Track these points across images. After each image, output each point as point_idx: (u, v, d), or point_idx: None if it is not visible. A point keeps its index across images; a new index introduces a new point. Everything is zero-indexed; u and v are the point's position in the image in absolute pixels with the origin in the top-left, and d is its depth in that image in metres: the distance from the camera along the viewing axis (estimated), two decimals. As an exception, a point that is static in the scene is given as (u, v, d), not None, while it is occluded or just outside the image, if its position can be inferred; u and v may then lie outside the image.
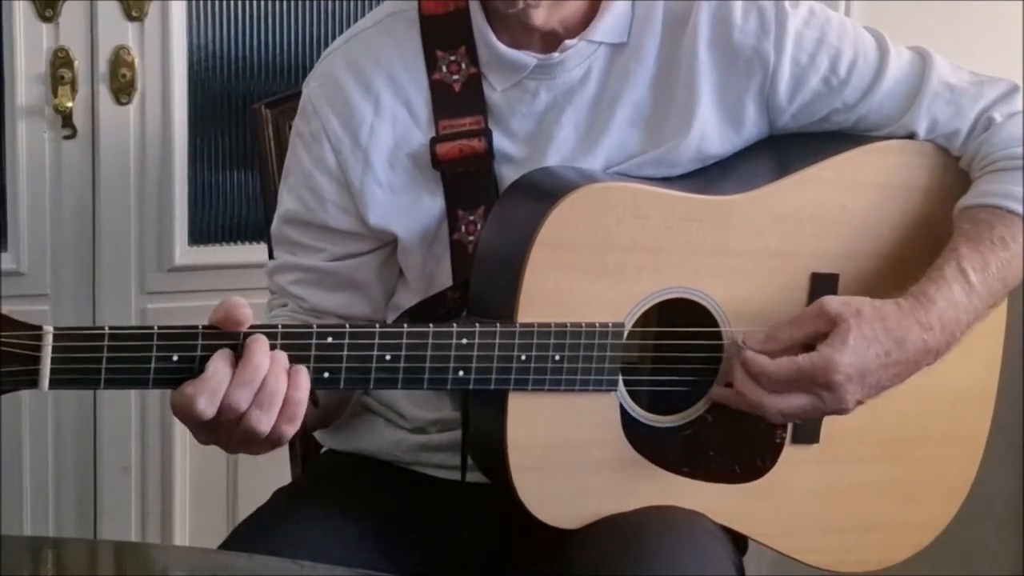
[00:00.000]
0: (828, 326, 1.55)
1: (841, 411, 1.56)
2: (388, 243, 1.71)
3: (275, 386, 1.40)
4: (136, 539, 2.45)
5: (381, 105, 1.67)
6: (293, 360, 1.43)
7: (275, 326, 1.43)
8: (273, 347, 1.42)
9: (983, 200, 1.64)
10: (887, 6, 2.46)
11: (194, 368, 1.40)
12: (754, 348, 1.56)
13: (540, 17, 1.63)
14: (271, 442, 1.44)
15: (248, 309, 1.41)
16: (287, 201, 1.73)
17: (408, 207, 1.68)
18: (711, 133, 1.66)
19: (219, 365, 1.39)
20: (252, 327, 1.42)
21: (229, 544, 1.62)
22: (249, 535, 1.64)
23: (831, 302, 1.56)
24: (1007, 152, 1.66)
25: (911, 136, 1.70)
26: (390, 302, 1.75)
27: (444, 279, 1.67)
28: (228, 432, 1.43)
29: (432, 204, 1.67)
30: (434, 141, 1.66)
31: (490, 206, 1.64)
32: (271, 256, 1.80)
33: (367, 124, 1.67)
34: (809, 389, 1.54)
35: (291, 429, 1.43)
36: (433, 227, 1.68)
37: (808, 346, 1.57)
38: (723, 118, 1.67)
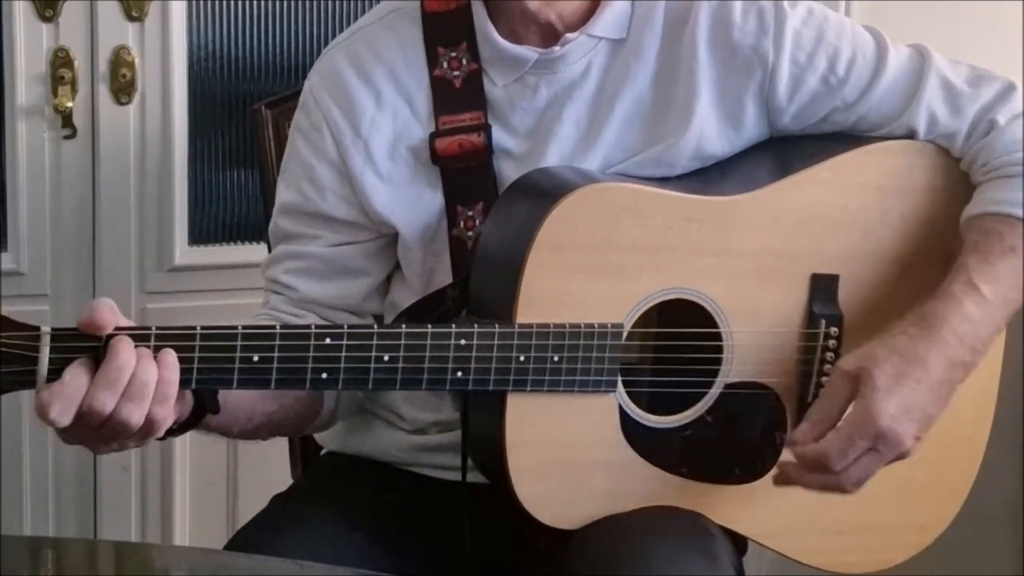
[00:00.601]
0: (855, 384, 1.54)
1: (903, 455, 1.55)
2: (386, 234, 1.71)
3: (146, 376, 1.38)
4: (136, 539, 2.45)
5: (382, 99, 1.68)
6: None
7: (148, 328, 1.40)
8: (146, 346, 1.39)
9: (991, 208, 1.63)
10: (887, 6, 2.46)
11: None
12: (803, 441, 1.55)
13: (535, 3, 1.63)
14: (143, 434, 1.41)
15: (112, 314, 1.39)
16: (284, 195, 1.73)
17: (408, 202, 1.68)
18: (710, 132, 1.66)
19: (77, 373, 1.36)
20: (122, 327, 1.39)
21: (232, 548, 1.61)
22: (251, 539, 1.63)
23: (845, 363, 1.56)
24: (1010, 158, 1.65)
25: (911, 135, 1.69)
26: (387, 299, 1.75)
27: (443, 276, 1.67)
28: (94, 431, 1.39)
29: (432, 199, 1.68)
30: (433, 136, 1.66)
31: (489, 202, 1.64)
32: (270, 257, 1.80)
33: (368, 116, 1.67)
34: (867, 446, 1.53)
35: (163, 412, 1.39)
36: (433, 223, 1.68)
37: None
38: (722, 117, 1.67)
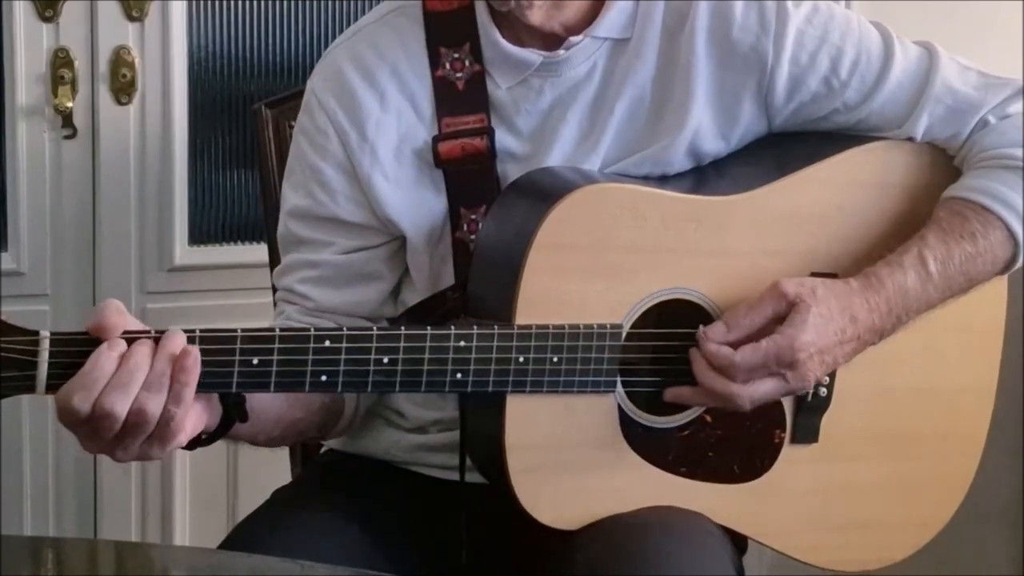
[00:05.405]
0: (787, 308, 1.56)
1: (803, 389, 1.59)
2: (398, 237, 1.70)
3: (162, 368, 1.36)
4: (136, 539, 2.45)
5: (387, 100, 1.66)
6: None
7: (148, 331, 1.39)
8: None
9: (964, 194, 1.64)
10: (887, 6, 2.45)
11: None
12: (717, 340, 1.56)
13: (536, 16, 1.62)
14: (160, 438, 1.38)
15: (119, 317, 1.37)
16: (293, 198, 1.70)
17: (414, 204, 1.67)
18: (706, 130, 1.66)
19: (102, 360, 1.35)
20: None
21: (228, 544, 1.61)
22: (248, 535, 1.63)
23: (787, 284, 1.57)
24: (999, 151, 1.65)
25: (909, 139, 1.69)
26: (397, 300, 1.74)
27: (448, 278, 1.67)
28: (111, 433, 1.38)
29: (436, 202, 1.67)
30: (436, 139, 1.65)
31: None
32: (271, 262, 1.78)
33: (373, 118, 1.66)
34: (775, 371, 1.55)
35: (178, 411, 1.37)
36: (438, 225, 1.67)
37: (764, 329, 1.57)
38: (718, 115, 1.66)
